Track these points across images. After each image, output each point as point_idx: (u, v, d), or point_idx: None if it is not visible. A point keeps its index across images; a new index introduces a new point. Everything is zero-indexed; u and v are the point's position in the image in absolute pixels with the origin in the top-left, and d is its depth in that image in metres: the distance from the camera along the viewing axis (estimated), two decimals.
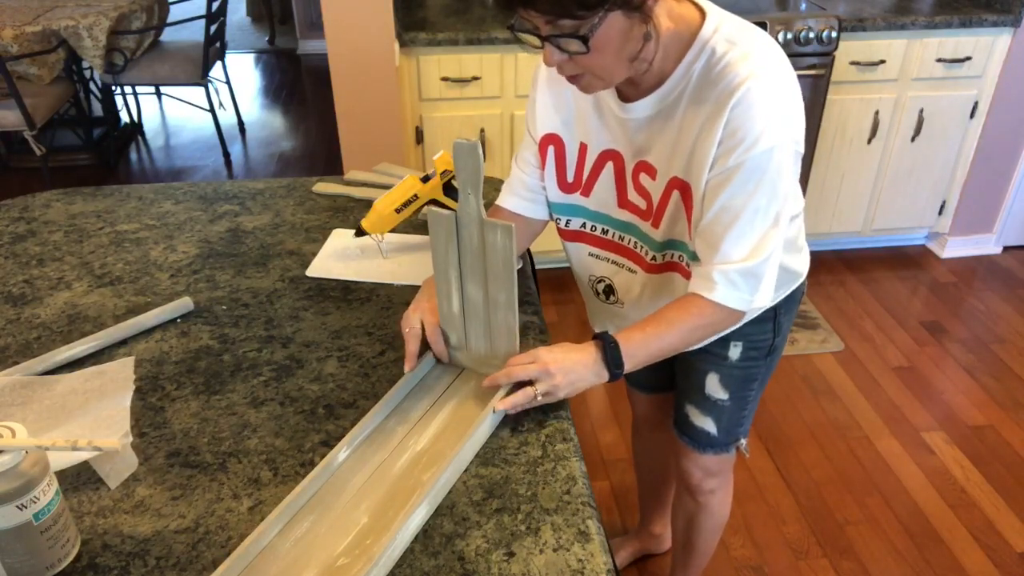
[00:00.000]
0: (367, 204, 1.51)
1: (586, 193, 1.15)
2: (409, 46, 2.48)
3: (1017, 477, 2.15)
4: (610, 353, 1.01)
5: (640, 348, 1.03)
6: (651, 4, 0.91)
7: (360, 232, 1.35)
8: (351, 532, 0.86)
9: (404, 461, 0.95)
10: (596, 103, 1.09)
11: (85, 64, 3.69)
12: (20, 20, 3.30)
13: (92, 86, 4.07)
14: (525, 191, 1.20)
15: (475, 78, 2.57)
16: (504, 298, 1.03)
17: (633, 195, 1.11)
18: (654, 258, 1.14)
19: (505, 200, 1.22)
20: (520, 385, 1.01)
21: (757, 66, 0.94)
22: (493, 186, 1.61)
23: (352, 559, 0.82)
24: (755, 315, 1.21)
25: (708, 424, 1.36)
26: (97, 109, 4.18)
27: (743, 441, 1.41)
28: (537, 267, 1.36)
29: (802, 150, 1.01)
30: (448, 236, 1.01)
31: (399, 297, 1.27)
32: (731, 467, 1.50)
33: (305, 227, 1.48)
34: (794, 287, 1.26)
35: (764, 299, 1.04)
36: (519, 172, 1.20)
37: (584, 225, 1.19)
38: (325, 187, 1.61)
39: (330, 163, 3.96)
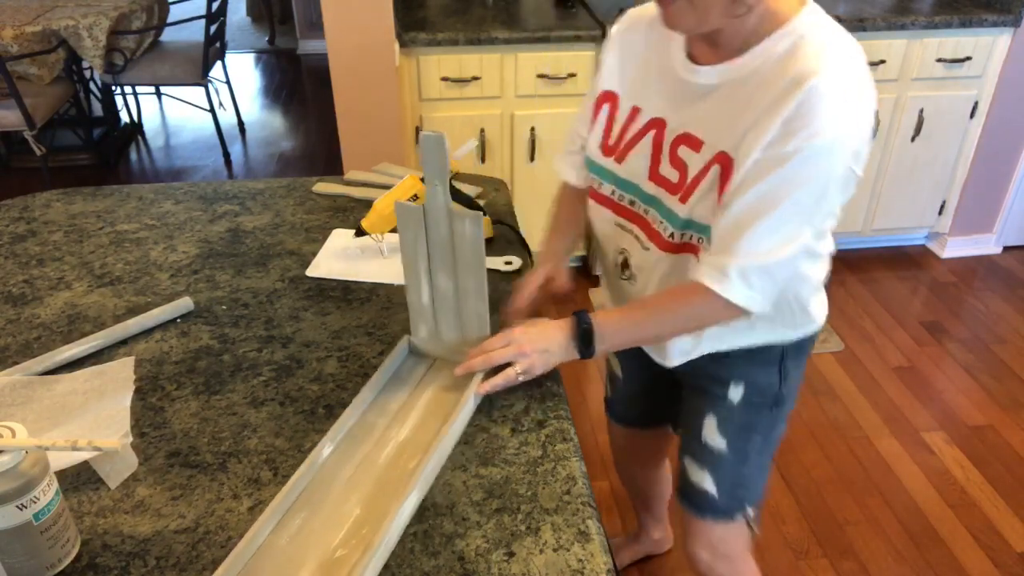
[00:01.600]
0: (367, 204, 1.51)
1: (620, 160, 1.11)
2: (409, 46, 2.48)
3: (1017, 477, 2.15)
4: (582, 332, 1.01)
5: (615, 331, 1.02)
6: None
7: (360, 232, 1.35)
8: (345, 524, 0.86)
9: (389, 452, 0.96)
10: (662, 65, 1.05)
11: (85, 64, 3.69)
12: (20, 20, 3.30)
13: (92, 86, 4.07)
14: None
15: (475, 78, 2.57)
16: (474, 286, 1.04)
17: (666, 167, 1.06)
18: (672, 235, 1.07)
19: (569, 175, 1.24)
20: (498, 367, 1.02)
21: (841, 65, 0.91)
22: (493, 186, 1.61)
23: (349, 550, 0.83)
24: (752, 339, 1.15)
25: (707, 481, 1.26)
26: (97, 109, 4.18)
27: (750, 511, 1.27)
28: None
29: (860, 173, 0.97)
30: (417, 228, 1.02)
31: (399, 297, 1.27)
32: (745, 549, 1.35)
33: (305, 227, 1.48)
34: (807, 332, 1.18)
35: (766, 304, 0.99)
36: (575, 147, 1.21)
37: (613, 192, 1.14)
38: (325, 187, 1.61)
39: (330, 163, 3.96)
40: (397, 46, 2.40)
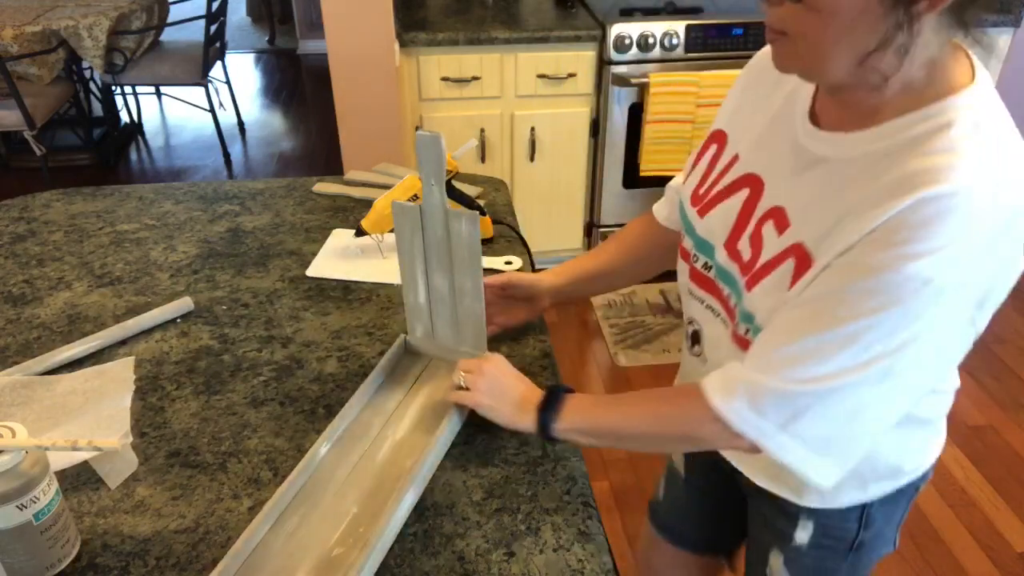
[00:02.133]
0: (367, 204, 1.51)
1: (703, 213, 0.91)
2: (409, 46, 2.48)
3: (1017, 477, 2.15)
4: (553, 402, 0.88)
5: (582, 413, 0.88)
6: (922, 8, 0.66)
7: (360, 232, 1.35)
8: (342, 522, 0.86)
9: (385, 451, 0.96)
10: (783, 115, 0.85)
11: (85, 64, 3.69)
12: (20, 20, 3.30)
13: (92, 86, 4.07)
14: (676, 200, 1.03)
15: (475, 78, 2.57)
16: (470, 286, 1.03)
17: (744, 241, 0.85)
18: (737, 326, 0.86)
19: (659, 205, 1.09)
20: None
21: (983, 176, 0.67)
22: (493, 186, 1.60)
23: (347, 548, 0.83)
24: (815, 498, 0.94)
25: None
26: (97, 109, 4.18)
27: None
28: (537, 267, 1.36)
29: (979, 327, 0.75)
30: (413, 228, 1.02)
31: (399, 297, 1.27)
32: None
33: (305, 227, 1.48)
34: (898, 485, 0.95)
35: (784, 449, 0.75)
36: (677, 182, 1.05)
37: (691, 249, 0.95)
38: (325, 187, 1.61)
39: (330, 163, 3.96)
40: (397, 46, 2.40)
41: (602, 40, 2.57)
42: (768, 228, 0.82)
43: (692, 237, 0.94)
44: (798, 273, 0.77)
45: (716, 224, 0.89)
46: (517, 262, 1.35)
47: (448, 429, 0.96)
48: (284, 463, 0.95)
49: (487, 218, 1.40)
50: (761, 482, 0.98)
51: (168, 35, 4.04)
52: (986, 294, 0.71)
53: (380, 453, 0.96)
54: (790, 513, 0.98)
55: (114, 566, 0.83)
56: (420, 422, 1.01)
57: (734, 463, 1.01)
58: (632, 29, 2.55)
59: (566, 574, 0.81)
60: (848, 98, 0.76)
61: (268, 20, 5.92)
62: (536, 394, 0.92)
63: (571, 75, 2.61)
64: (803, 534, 0.99)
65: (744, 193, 0.86)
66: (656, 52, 2.59)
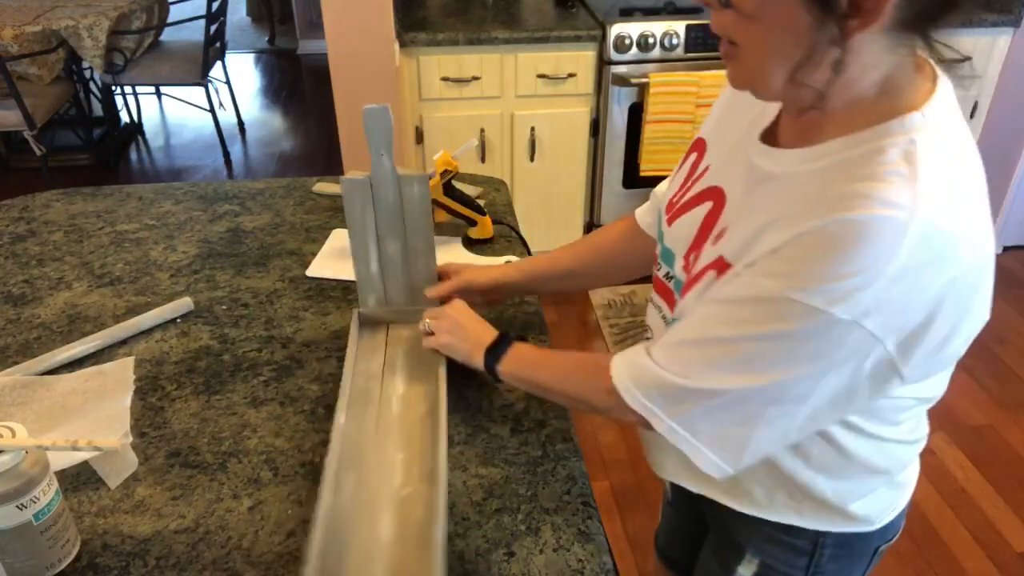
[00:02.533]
0: None
1: (671, 222, 0.89)
2: (409, 46, 2.48)
3: (1017, 477, 2.15)
4: (499, 347, 0.96)
5: (520, 361, 0.95)
6: (854, 25, 0.62)
7: None
8: (396, 467, 0.91)
9: (396, 405, 1.01)
10: (750, 131, 0.82)
11: (85, 64, 3.69)
12: (20, 20, 3.30)
13: (92, 86, 4.07)
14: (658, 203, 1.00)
15: (475, 78, 2.57)
16: (423, 244, 1.11)
17: (694, 255, 0.83)
18: None
19: (641, 209, 1.07)
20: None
21: (903, 206, 0.61)
22: (493, 186, 1.60)
23: (414, 485, 0.88)
24: (762, 509, 0.91)
25: None
26: (97, 109, 4.18)
27: None
28: None
29: (908, 374, 0.67)
30: (364, 200, 1.08)
31: None
32: None
33: (305, 227, 1.48)
34: (845, 528, 0.89)
35: (653, 422, 0.76)
36: (664, 184, 1.01)
37: (658, 256, 0.93)
38: (324, 187, 1.61)
39: (330, 163, 3.96)
40: (397, 46, 2.40)
41: (602, 40, 2.57)
42: (711, 239, 0.80)
43: (660, 245, 0.92)
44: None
45: (680, 234, 0.86)
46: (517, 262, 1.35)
47: (442, 368, 1.03)
48: (284, 463, 0.95)
49: (487, 218, 1.40)
50: (688, 485, 0.97)
51: (168, 35, 4.04)
52: (910, 337, 0.64)
53: (392, 408, 1.00)
54: (737, 545, 0.96)
55: (114, 566, 0.83)
56: (411, 374, 1.07)
57: (681, 479, 0.99)
58: (632, 29, 2.55)
59: (566, 574, 0.81)
60: (797, 115, 0.73)
61: (268, 20, 5.92)
62: (490, 336, 0.99)
63: (571, 75, 2.61)
64: (746, 570, 0.97)
65: (708, 206, 0.83)
66: (656, 52, 2.59)
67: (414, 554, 0.80)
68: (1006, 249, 3.21)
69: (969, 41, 2.71)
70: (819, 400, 0.68)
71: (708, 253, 0.79)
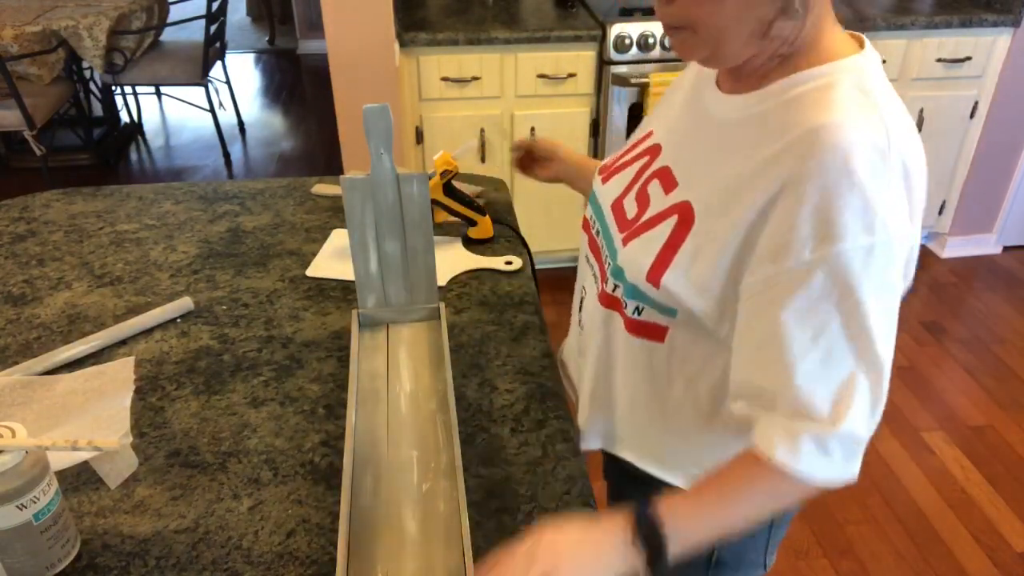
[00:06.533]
0: None
1: (604, 181, 0.95)
2: (409, 46, 2.48)
3: (1017, 477, 2.15)
4: (643, 532, 0.73)
5: (693, 522, 0.74)
6: None
7: None
8: (412, 465, 0.91)
9: (405, 402, 1.01)
10: (696, 90, 0.86)
11: (85, 64, 3.69)
12: (20, 20, 3.30)
13: (92, 86, 4.07)
14: None
15: (475, 78, 2.57)
16: (423, 243, 1.10)
17: (630, 199, 0.89)
18: (606, 283, 0.90)
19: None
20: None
21: (866, 129, 0.68)
22: (493, 186, 1.60)
23: (432, 481, 0.88)
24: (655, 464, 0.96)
25: None
26: (97, 109, 4.19)
27: None
28: (537, 267, 1.36)
29: (903, 283, 0.73)
30: (364, 199, 1.07)
31: None
32: None
33: (305, 227, 1.48)
34: None
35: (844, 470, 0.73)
36: None
37: (589, 216, 0.98)
38: (323, 188, 1.61)
39: (330, 163, 3.96)
40: (397, 46, 2.40)
41: (602, 40, 2.57)
42: (654, 187, 0.85)
43: (592, 205, 0.98)
44: (678, 231, 0.79)
45: (612, 188, 0.92)
46: (517, 262, 1.35)
47: (447, 364, 1.03)
48: (284, 463, 0.95)
49: (487, 218, 1.40)
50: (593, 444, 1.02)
51: (168, 35, 4.04)
52: (911, 251, 0.73)
53: (402, 406, 1.00)
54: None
55: (114, 566, 0.83)
56: (418, 371, 1.06)
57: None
58: (632, 29, 2.55)
59: None
60: (744, 67, 0.77)
61: (268, 20, 5.92)
62: (613, 530, 0.74)
63: (571, 75, 2.61)
64: None
65: (643, 160, 0.90)
66: (656, 52, 2.59)
67: (441, 549, 0.81)
68: (1006, 249, 3.21)
69: (969, 41, 2.71)
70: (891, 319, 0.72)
71: (659, 201, 0.83)
